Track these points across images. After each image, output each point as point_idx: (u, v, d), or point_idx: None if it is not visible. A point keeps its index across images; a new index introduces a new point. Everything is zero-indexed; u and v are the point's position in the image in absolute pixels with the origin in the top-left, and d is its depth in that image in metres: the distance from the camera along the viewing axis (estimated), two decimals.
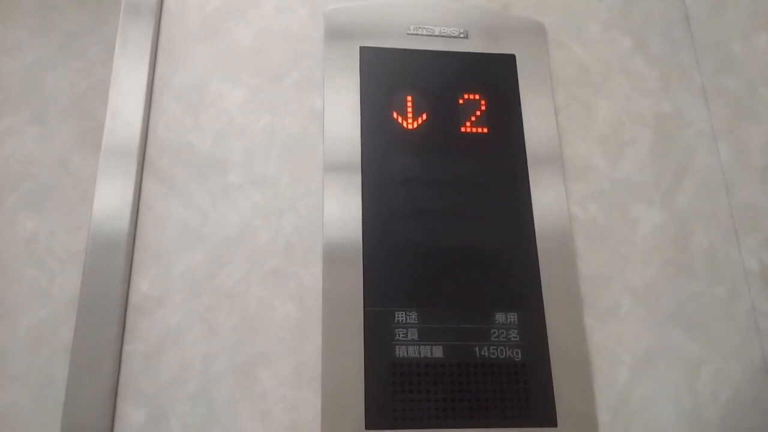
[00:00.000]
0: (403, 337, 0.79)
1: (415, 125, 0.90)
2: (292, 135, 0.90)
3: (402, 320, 0.80)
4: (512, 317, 0.82)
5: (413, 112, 0.91)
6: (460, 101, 0.92)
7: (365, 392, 0.76)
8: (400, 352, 0.78)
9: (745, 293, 0.89)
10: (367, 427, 0.75)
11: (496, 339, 0.80)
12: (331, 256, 0.82)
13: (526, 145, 0.90)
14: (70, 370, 0.75)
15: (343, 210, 0.84)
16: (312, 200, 0.87)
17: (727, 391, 0.84)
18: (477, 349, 0.80)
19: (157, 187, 0.86)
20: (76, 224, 0.90)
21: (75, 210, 0.92)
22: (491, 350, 0.80)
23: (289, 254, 0.84)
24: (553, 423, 0.78)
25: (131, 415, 0.76)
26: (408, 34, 0.95)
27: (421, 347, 0.79)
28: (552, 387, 0.79)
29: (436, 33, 0.96)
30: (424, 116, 0.91)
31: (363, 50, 0.93)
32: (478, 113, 0.91)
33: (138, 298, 0.80)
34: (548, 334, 0.82)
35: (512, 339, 0.81)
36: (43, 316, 0.86)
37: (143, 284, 0.81)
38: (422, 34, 0.96)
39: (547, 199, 0.88)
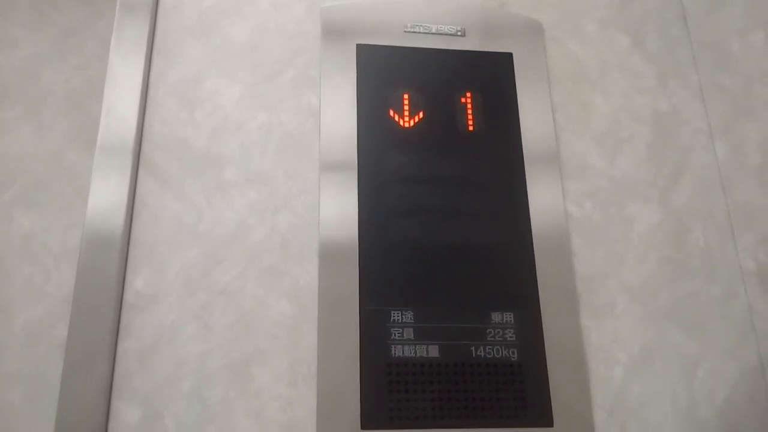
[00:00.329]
0: (399, 336, 0.79)
1: (412, 123, 0.90)
2: (288, 132, 0.90)
3: (398, 319, 0.80)
4: (508, 316, 0.81)
5: (410, 110, 0.90)
6: (457, 99, 0.92)
7: (361, 391, 0.76)
8: (396, 351, 0.78)
9: (741, 292, 0.89)
10: (362, 427, 0.75)
11: (492, 338, 0.80)
12: (327, 255, 0.82)
13: (523, 143, 0.90)
14: (65, 368, 0.75)
15: (339, 208, 0.84)
16: (308, 198, 0.86)
17: (724, 389, 0.84)
18: (473, 348, 0.80)
19: (153, 184, 0.85)
20: (71, 221, 0.90)
21: (70, 206, 0.92)
22: (487, 350, 0.80)
23: (285, 252, 0.84)
24: (549, 423, 0.78)
25: (126, 413, 0.75)
26: (405, 31, 0.95)
27: (417, 346, 0.79)
28: (548, 386, 0.79)
29: (433, 31, 0.96)
30: (421, 114, 0.90)
31: (360, 48, 0.93)
32: (475, 111, 0.91)
33: (133, 295, 0.80)
34: (544, 333, 0.81)
35: (508, 338, 0.80)
36: (38, 313, 0.86)
37: (138, 282, 0.81)
38: (419, 32, 0.95)
39: (543, 197, 0.88)
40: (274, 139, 0.89)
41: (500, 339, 0.80)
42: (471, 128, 0.90)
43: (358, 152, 0.87)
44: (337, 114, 0.89)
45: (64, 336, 0.77)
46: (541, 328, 0.81)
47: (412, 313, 0.80)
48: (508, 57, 0.95)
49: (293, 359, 0.79)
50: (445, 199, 0.86)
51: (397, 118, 0.90)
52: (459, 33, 0.96)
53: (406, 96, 0.91)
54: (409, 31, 0.95)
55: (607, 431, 0.80)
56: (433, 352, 0.79)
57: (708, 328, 0.87)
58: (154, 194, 0.85)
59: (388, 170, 0.87)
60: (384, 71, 0.92)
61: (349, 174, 0.86)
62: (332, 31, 0.94)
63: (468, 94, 0.92)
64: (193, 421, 0.76)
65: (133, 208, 0.84)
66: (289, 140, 0.89)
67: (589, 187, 0.92)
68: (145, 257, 0.82)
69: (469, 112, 0.91)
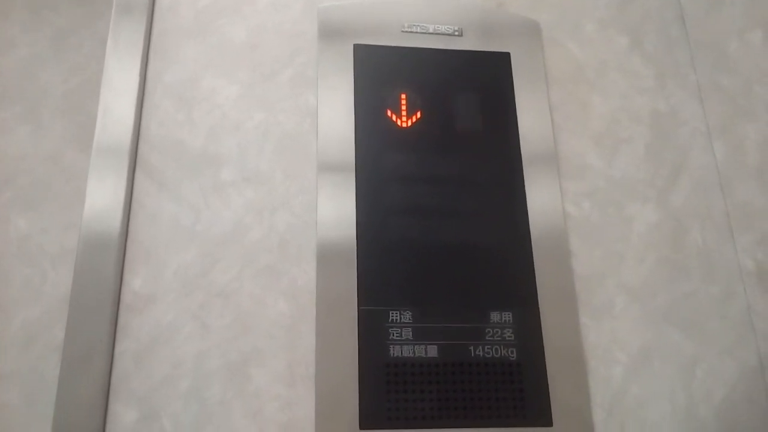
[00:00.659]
0: (397, 336, 0.79)
1: (410, 123, 0.90)
2: (285, 132, 0.89)
3: (396, 319, 0.79)
4: (507, 316, 0.81)
5: (407, 110, 0.90)
6: (455, 99, 0.92)
7: (359, 391, 0.76)
8: (395, 351, 0.78)
9: (740, 292, 0.88)
10: (361, 427, 0.74)
11: (491, 338, 0.80)
12: (325, 255, 0.82)
13: (521, 143, 0.90)
14: (62, 369, 0.75)
15: (337, 208, 0.84)
16: (305, 198, 0.86)
17: (723, 389, 0.84)
18: (472, 348, 0.79)
19: (149, 184, 0.85)
20: (68, 221, 0.90)
21: (68, 207, 0.91)
22: (486, 349, 0.79)
23: (283, 252, 0.84)
24: (549, 422, 0.78)
25: (123, 414, 0.75)
26: (402, 31, 0.95)
27: (416, 346, 0.78)
28: (547, 386, 0.79)
29: (431, 30, 0.95)
30: (419, 114, 0.90)
31: (357, 48, 0.93)
32: (472, 111, 0.91)
33: (130, 296, 0.80)
34: (543, 333, 0.81)
35: (507, 338, 0.80)
36: (35, 314, 0.85)
37: (135, 282, 0.80)
38: (417, 32, 0.95)
39: (541, 197, 0.88)
40: (272, 139, 0.89)
41: (499, 339, 0.80)
42: (468, 128, 0.90)
43: (355, 152, 0.87)
44: (335, 114, 0.89)
45: (62, 337, 0.77)
46: (540, 327, 0.81)
47: (410, 313, 0.80)
48: (505, 57, 0.95)
49: (291, 359, 0.79)
50: (443, 199, 0.86)
51: (394, 118, 0.89)
52: (456, 33, 0.96)
53: (403, 96, 0.91)
54: (406, 31, 0.95)
55: (606, 431, 0.80)
56: (432, 352, 0.78)
57: (707, 327, 0.87)
58: (151, 195, 0.85)
59: (386, 170, 0.87)
60: (381, 71, 0.92)
61: (347, 174, 0.86)
62: (330, 31, 0.94)
63: (465, 94, 0.92)
64: (190, 421, 0.75)
65: (130, 209, 0.83)
66: (287, 140, 0.89)
67: (588, 187, 0.92)
68: (143, 258, 0.82)
69: (467, 111, 0.91)
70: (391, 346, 0.78)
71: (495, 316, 0.81)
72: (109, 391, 0.76)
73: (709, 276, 0.89)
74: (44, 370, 0.82)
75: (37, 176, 0.93)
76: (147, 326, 0.79)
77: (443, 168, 0.88)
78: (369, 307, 0.80)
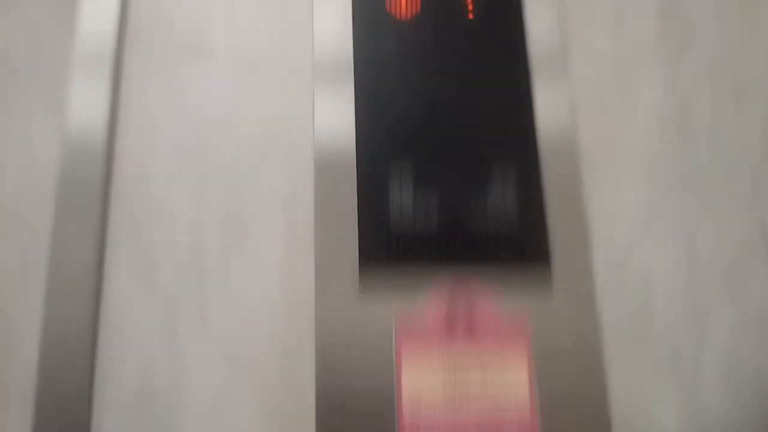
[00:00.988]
0: (397, 203, 0.78)
1: (409, 16, 0.88)
2: (279, 11, 0.87)
3: (396, 187, 0.79)
4: (510, 187, 0.80)
5: (407, 1, 0.88)
6: None
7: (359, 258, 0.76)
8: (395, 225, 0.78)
9: (745, 162, 0.89)
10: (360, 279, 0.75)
11: (492, 209, 0.79)
12: (323, 155, 0.81)
13: (527, 24, 0.88)
14: (52, 245, 0.75)
15: (335, 93, 0.83)
16: (299, 79, 0.85)
17: (726, 256, 0.84)
18: (473, 219, 0.79)
19: (138, 67, 0.83)
20: (55, 106, 0.87)
21: (53, 93, 0.88)
22: (488, 214, 0.79)
23: (278, 133, 0.82)
24: (549, 290, 0.78)
25: (120, 282, 0.75)
26: None
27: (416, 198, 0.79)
28: (549, 254, 0.79)
29: None
30: (418, 7, 0.88)
31: None
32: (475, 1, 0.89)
33: (123, 174, 0.79)
34: (546, 201, 0.81)
35: (509, 207, 0.80)
36: (24, 199, 0.82)
37: (128, 163, 0.80)
38: None
39: (548, 70, 0.87)
40: (264, 21, 0.87)
41: (501, 209, 0.79)
42: (471, 17, 0.88)
43: (353, 45, 0.85)
44: (331, 12, 0.87)
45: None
46: (542, 194, 0.81)
47: (411, 172, 0.79)
48: None
49: (290, 230, 0.78)
50: (444, 89, 0.85)
51: (393, 10, 0.87)
52: None
53: None
54: None
55: (608, 299, 0.81)
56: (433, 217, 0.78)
57: (711, 196, 0.87)
58: (140, 78, 0.83)
59: (386, 63, 0.85)
60: None
61: (346, 66, 0.84)
62: None
63: None
64: (189, 287, 0.76)
65: (119, 93, 0.82)
66: (281, 21, 0.87)
67: (595, 57, 0.91)
68: (134, 139, 0.81)
69: (470, 2, 0.89)
70: (392, 219, 0.78)
71: (497, 186, 0.80)
72: (103, 263, 0.75)
73: (716, 147, 0.89)
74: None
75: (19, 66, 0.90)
76: (142, 201, 0.78)
77: (445, 60, 0.86)
78: (369, 180, 0.79)
